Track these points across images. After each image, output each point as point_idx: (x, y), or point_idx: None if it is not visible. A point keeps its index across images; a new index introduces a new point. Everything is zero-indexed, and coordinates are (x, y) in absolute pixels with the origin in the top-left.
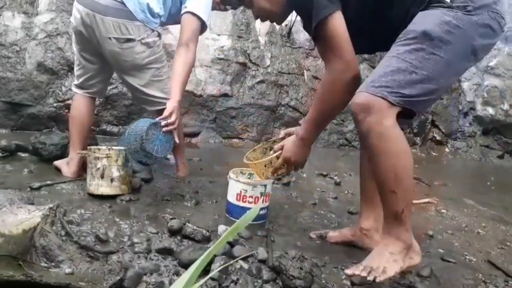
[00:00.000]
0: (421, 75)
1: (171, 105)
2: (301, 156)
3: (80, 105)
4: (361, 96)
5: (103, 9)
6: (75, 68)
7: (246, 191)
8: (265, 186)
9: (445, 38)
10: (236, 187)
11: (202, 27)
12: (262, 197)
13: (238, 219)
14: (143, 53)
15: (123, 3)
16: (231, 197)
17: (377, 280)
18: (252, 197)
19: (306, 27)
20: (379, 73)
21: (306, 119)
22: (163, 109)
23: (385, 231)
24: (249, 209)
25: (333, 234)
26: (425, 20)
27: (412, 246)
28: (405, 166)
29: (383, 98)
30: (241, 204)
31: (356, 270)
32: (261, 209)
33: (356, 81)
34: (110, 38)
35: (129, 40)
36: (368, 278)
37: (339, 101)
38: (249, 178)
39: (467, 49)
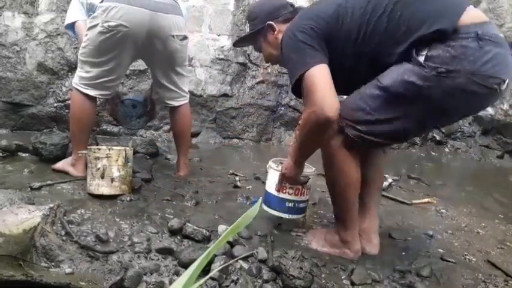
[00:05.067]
0: (376, 118)
1: None
2: (291, 174)
3: (85, 106)
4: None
5: (164, 8)
6: (93, 69)
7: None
8: (307, 178)
9: (404, 94)
10: (276, 177)
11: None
12: (303, 189)
13: (276, 210)
14: (187, 48)
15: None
16: (270, 187)
17: (303, 242)
18: (292, 188)
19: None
20: (350, 104)
21: (293, 146)
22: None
23: (336, 222)
24: (288, 200)
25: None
26: (392, 73)
27: (350, 243)
28: (344, 187)
29: (342, 127)
30: (280, 195)
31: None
32: (301, 202)
33: (328, 125)
34: (173, 36)
35: (185, 37)
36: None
37: (311, 138)
38: None
39: (431, 105)
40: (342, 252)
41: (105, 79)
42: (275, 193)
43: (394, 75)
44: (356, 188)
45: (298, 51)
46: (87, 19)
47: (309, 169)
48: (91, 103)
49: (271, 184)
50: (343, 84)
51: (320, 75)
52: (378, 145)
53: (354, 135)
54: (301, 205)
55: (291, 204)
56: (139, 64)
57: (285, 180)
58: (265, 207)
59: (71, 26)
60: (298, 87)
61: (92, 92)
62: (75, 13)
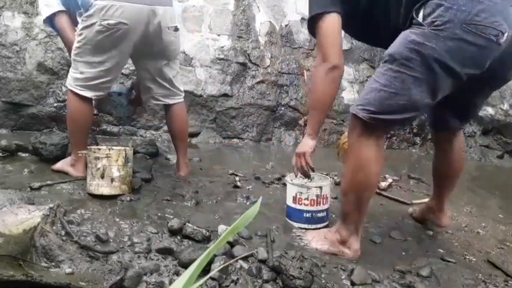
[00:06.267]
0: (388, 92)
1: None
2: (302, 147)
3: (81, 107)
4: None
5: (160, 1)
6: (89, 70)
7: (301, 193)
8: (320, 188)
9: (408, 56)
10: (292, 190)
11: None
12: (318, 199)
13: (297, 222)
14: (179, 40)
15: None
16: (288, 200)
17: (302, 241)
18: (307, 199)
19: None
20: (364, 92)
21: (308, 119)
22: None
23: (338, 221)
24: (305, 211)
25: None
26: (395, 43)
27: (349, 243)
28: (358, 180)
29: (356, 115)
30: (298, 207)
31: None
32: (319, 211)
33: (335, 72)
34: (168, 28)
35: (177, 28)
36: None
37: (322, 88)
38: (309, 181)
39: (434, 64)
40: (340, 252)
41: (102, 80)
42: (292, 205)
43: (397, 43)
44: (372, 189)
45: None
46: (80, 18)
47: (325, 181)
48: (87, 104)
49: (288, 197)
50: (369, 34)
51: (333, 24)
52: (398, 123)
53: (370, 119)
54: (320, 214)
55: (308, 215)
56: None
57: (296, 160)
58: (288, 221)
59: (49, 19)
60: (312, 26)
61: (87, 94)
62: (52, 4)
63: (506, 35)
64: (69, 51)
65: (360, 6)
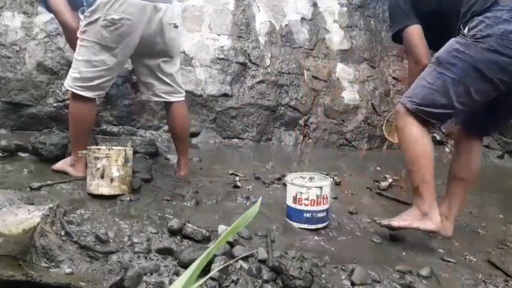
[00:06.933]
0: (431, 89)
1: None
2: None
3: (84, 107)
4: (396, 106)
5: None
6: (90, 69)
7: (302, 193)
8: (320, 188)
9: (451, 61)
10: (292, 190)
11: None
12: (318, 199)
13: (297, 222)
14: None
15: None
16: (289, 200)
17: (379, 221)
18: (307, 199)
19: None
20: (413, 86)
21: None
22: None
23: (413, 200)
24: (306, 211)
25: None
26: (443, 48)
27: (429, 215)
28: (416, 150)
29: (404, 105)
30: (298, 207)
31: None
32: (319, 211)
33: (423, 67)
34: (169, 25)
35: (177, 25)
36: (378, 221)
37: (413, 74)
38: (309, 181)
39: (470, 68)
40: (423, 224)
41: (102, 80)
42: (292, 205)
43: (444, 48)
44: (430, 159)
45: (397, 12)
46: (83, 15)
47: (325, 181)
48: (90, 103)
49: (288, 197)
50: (433, 39)
51: (416, 34)
52: (435, 115)
53: (415, 110)
54: (320, 214)
55: (308, 215)
56: None
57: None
58: (288, 221)
59: (44, 0)
60: (397, 36)
61: (87, 94)
62: None
63: None
64: (66, 34)
65: (428, 20)
